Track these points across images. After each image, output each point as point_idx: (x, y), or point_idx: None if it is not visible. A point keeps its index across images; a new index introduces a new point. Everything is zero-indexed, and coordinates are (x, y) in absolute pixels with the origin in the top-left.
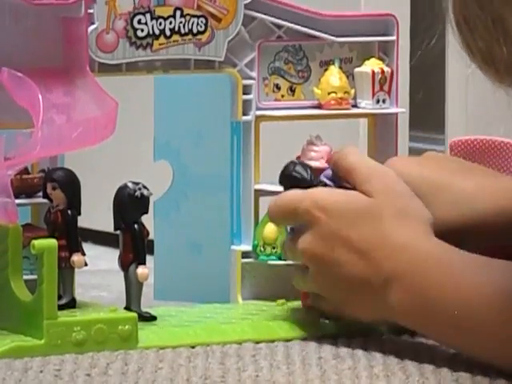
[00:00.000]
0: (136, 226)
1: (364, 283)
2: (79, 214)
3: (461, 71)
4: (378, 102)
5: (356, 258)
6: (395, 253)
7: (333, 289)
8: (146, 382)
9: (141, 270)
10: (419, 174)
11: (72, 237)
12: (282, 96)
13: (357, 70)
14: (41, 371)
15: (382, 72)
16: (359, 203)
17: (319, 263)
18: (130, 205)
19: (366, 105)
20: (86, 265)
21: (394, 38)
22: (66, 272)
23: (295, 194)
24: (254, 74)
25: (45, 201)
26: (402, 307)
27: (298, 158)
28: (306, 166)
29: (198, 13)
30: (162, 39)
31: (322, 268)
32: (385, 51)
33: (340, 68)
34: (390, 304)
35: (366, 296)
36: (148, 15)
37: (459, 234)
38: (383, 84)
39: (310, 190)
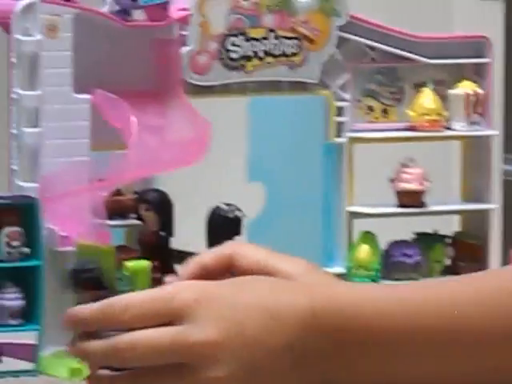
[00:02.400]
0: None
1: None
2: (172, 235)
3: None
4: (471, 124)
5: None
6: (314, 299)
7: None
8: None
9: None
10: None
11: (165, 258)
12: (376, 118)
13: (451, 92)
14: None
15: (476, 94)
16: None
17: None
18: (223, 226)
19: (460, 127)
20: None
21: (487, 60)
22: None
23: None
24: (347, 95)
25: (138, 222)
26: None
27: (393, 180)
28: None
29: (291, 34)
30: (255, 61)
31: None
32: (478, 73)
33: (433, 90)
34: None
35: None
36: (241, 37)
37: None
38: (477, 106)
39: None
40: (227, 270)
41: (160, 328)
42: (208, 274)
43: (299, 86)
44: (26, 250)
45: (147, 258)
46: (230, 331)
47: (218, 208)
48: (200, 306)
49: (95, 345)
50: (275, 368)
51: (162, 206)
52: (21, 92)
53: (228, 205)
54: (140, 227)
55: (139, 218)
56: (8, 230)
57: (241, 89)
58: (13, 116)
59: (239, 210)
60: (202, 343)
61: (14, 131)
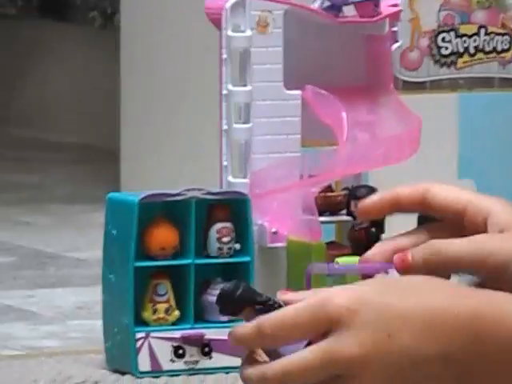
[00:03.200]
0: None
1: (437, 363)
2: (383, 232)
3: None
4: None
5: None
6: (476, 311)
7: None
8: None
9: None
10: None
11: None
12: None
13: None
14: None
15: None
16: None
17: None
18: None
19: None
20: None
21: None
22: None
23: (310, 301)
24: None
25: (349, 218)
26: (492, 372)
27: None
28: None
29: (502, 30)
30: (466, 57)
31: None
32: None
33: None
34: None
35: (438, 379)
36: (452, 33)
37: None
38: None
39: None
40: (419, 206)
41: (307, 348)
42: (400, 206)
43: (510, 83)
44: (237, 245)
45: (358, 255)
46: (381, 343)
47: None
48: (352, 314)
49: (249, 372)
50: (427, 375)
51: None
52: (231, 88)
53: None
54: (351, 223)
55: (350, 214)
56: (219, 225)
57: (452, 85)
58: (223, 112)
59: None
60: (351, 358)
61: (225, 127)
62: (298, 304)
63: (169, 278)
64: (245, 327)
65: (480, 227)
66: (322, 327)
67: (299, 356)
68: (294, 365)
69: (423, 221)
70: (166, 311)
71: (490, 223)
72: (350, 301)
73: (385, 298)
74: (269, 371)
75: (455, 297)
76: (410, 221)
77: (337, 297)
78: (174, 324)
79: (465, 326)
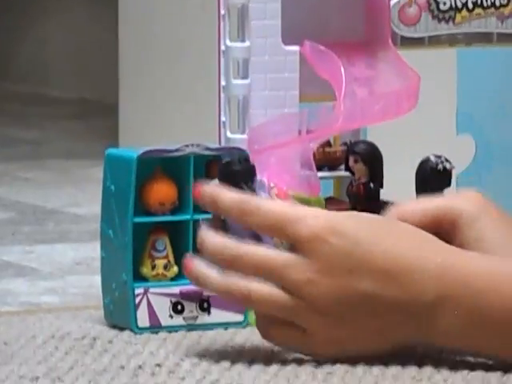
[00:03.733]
0: None
1: (399, 310)
2: (381, 187)
3: None
4: None
5: (388, 284)
6: (437, 274)
7: (354, 329)
8: None
9: None
10: None
11: (374, 210)
12: None
13: None
14: None
15: None
16: (379, 220)
17: (335, 303)
18: (432, 178)
19: None
20: None
21: None
22: None
23: (287, 208)
24: None
25: (347, 174)
26: (451, 330)
27: None
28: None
29: None
30: (464, 12)
31: (340, 308)
32: None
33: None
34: (435, 328)
35: (400, 325)
36: None
37: None
38: None
39: (308, 209)
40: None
41: (272, 250)
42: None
43: (509, 38)
44: None
45: (357, 210)
46: (340, 275)
47: (427, 160)
48: (318, 242)
49: (218, 241)
50: (368, 314)
51: (372, 157)
52: (229, 44)
53: (437, 156)
54: (349, 179)
55: (348, 170)
56: (217, 181)
57: (450, 41)
58: (222, 68)
59: (449, 161)
60: (305, 280)
61: (223, 83)
62: (275, 206)
63: (167, 234)
64: (233, 194)
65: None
66: (286, 239)
67: (265, 251)
68: (257, 254)
69: (421, 178)
70: (165, 267)
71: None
72: (322, 229)
73: (357, 234)
74: (231, 244)
75: (423, 249)
76: (409, 175)
77: (312, 218)
78: (172, 280)
79: (430, 282)
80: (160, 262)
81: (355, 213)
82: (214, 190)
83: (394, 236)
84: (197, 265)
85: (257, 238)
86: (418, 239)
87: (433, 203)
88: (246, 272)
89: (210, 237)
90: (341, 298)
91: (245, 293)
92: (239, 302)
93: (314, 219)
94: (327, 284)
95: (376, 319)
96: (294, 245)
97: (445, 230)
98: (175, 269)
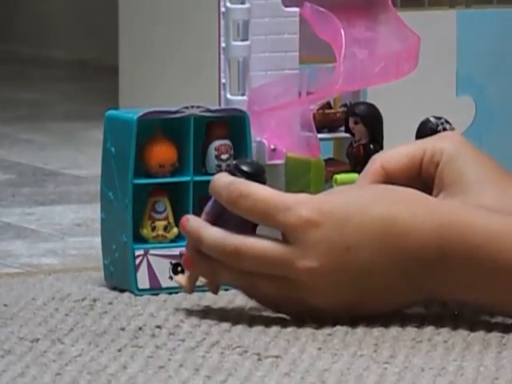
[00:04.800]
0: None
1: (399, 274)
2: (381, 148)
3: None
4: None
5: (386, 252)
6: (435, 232)
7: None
8: None
9: None
10: None
11: None
12: None
13: None
14: None
15: None
16: (365, 189)
17: (338, 281)
18: None
19: None
20: None
21: None
22: None
23: (275, 196)
24: None
25: (347, 135)
26: (451, 284)
27: None
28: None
29: None
30: None
31: (343, 281)
32: None
33: None
34: (435, 285)
35: (400, 288)
36: None
37: None
38: None
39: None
40: (383, 178)
41: (268, 241)
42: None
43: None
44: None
45: (356, 171)
46: (339, 256)
47: (427, 121)
48: (310, 227)
49: (211, 231)
50: (384, 285)
51: (372, 119)
52: (229, 5)
53: (437, 118)
54: (349, 140)
55: (348, 131)
56: (217, 143)
57: (450, 2)
58: (222, 29)
59: (448, 123)
60: (308, 269)
61: (223, 45)
62: (267, 192)
63: (167, 196)
64: (225, 177)
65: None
66: (276, 226)
67: (261, 243)
68: (254, 248)
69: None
70: (165, 228)
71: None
72: (312, 212)
73: (346, 209)
74: (229, 244)
75: (417, 209)
76: (409, 137)
77: (300, 205)
78: (172, 241)
79: (428, 241)
80: (160, 224)
81: (341, 188)
82: (217, 175)
83: (384, 201)
84: (191, 220)
85: (243, 230)
86: (410, 199)
87: (416, 146)
88: (247, 265)
89: (209, 230)
90: (343, 275)
91: (237, 247)
92: (230, 257)
93: (302, 205)
94: (326, 268)
95: (377, 285)
96: (284, 233)
97: (429, 172)
98: (175, 230)
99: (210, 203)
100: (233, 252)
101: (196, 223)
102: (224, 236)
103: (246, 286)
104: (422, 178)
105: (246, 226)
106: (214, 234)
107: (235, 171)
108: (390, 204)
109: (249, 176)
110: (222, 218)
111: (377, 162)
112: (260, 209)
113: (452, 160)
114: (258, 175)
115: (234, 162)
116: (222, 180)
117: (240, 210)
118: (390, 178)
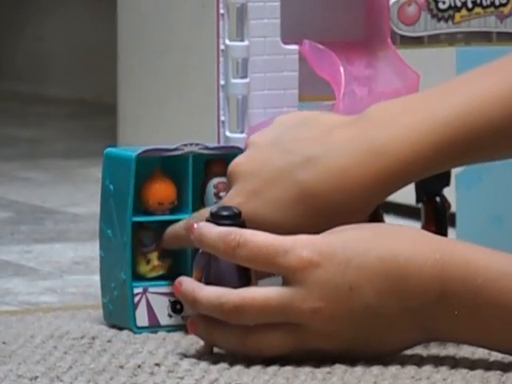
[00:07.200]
0: (438, 198)
1: (403, 318)
2: None
3: None
4: None
5: (390, 295)
6: (437, 272)
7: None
8: None
9: None
10: None
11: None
12: None
13: None
14: None
15: None
16: (365, 228)
17: (342, 323)
18: (432, 178)
19: None
20: None
21: None
22: None
23: (274, 239)
24: None
25: None
26: (452, 326)
27: None
28: None
29: None
30: (463, 11)
31: (348, 326)
32: None
33: None
34: (436, 326)
35: (402, 331)
36: None
37: None
38: None
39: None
40: None
41: (269, 289)
42: None
43: (508, 37)
44: None
45: None
46: (343, 297)
47: None
48: (311, 268)
49: (206, 292)
50: (391, 325)
51: None
52: (229, 43)
53: None
54: None
55: None
56: (216, 180)
57: (450, 40)
58: (221, 67)
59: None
60: (312, 310)
61: (222, 82)
62: (264, 238)
63: (150, 228)
64: (216, 229)
65: None
66: (277, 271)
67: (259, 293)
68: (255, 300)
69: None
70: (159, 258)
71: None
72: (313, 253)
73: (347, 250)
74: (227, 303)
75: (420, 247)
76: None
77: (300, 246)
78: (169, 273)
79: (430, 282)
80: (153, 255)
81: (341, 228)
82: (202, 225)
83: (385, 241)
84: (183, 283)
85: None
86: (411, 238)
87: None
88: (249, 319)
89: (203, 292)
90: (348, 318)
91: (237, 304)
92: (231, 315)
93: (302, 247)
94: (332, 309)
95: (381, 325)
96: (286, 276)
97: None
98: (168, 259)
99: (198, 257)
100: (232, 309)
101: (190, 286)
102: (220, 295)
103: (248, 343)
104: None
105: (243, 272)
106: (209, 294)
107: (217, 219)
108: (390, 244)
109: (232, 219)
110: (213, 269)
111: None
112: (260, 257)
113: None
114: (239, 216)
115: (211, 212)
116: (213, 232)
117: (239, 260)
118: None
